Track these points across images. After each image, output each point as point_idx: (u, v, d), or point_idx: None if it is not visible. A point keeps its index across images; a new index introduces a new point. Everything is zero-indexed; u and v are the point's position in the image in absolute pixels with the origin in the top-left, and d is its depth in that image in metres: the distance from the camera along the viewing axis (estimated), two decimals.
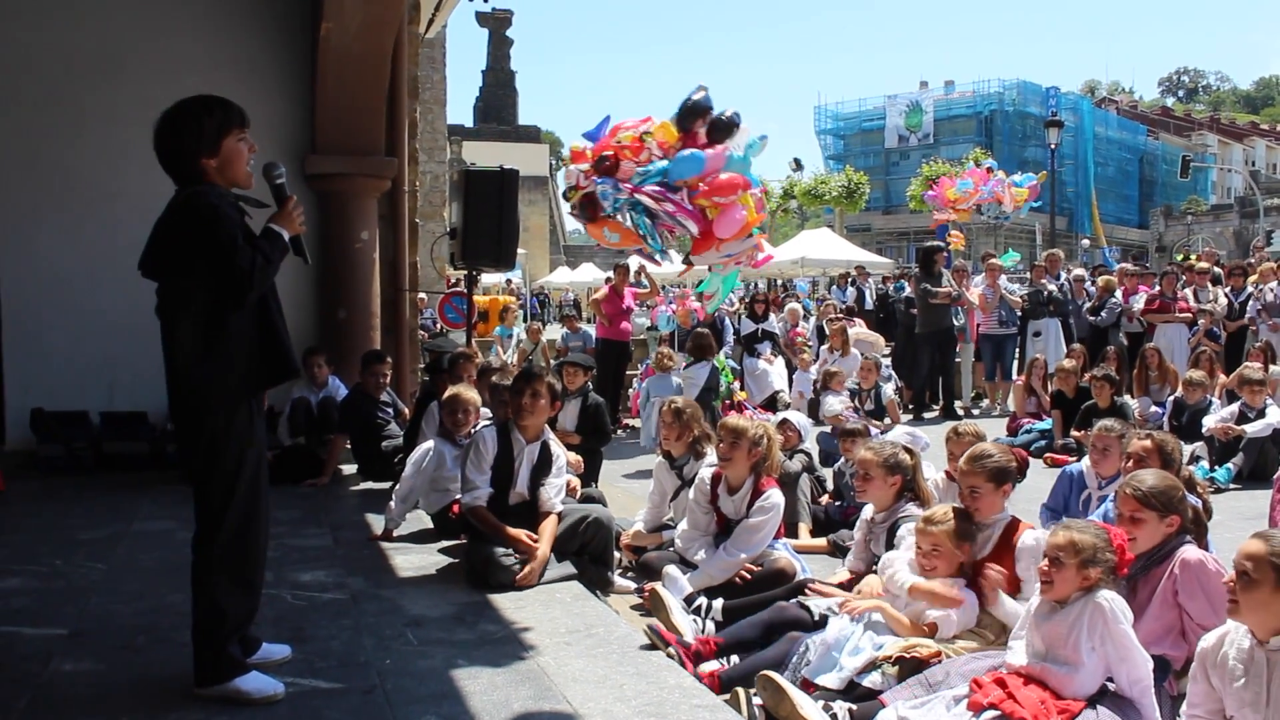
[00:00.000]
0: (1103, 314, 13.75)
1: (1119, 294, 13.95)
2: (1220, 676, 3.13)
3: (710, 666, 4.21)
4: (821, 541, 6.64)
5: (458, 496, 5.91)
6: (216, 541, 3.61)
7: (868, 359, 11.35)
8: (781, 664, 4.07)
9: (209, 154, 3.63)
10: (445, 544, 6.01)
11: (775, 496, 5.28)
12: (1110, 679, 3.48)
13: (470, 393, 6.48)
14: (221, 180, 3.68)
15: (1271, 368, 10.03)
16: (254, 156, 3.79)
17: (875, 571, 4.86)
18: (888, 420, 10.62)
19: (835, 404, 10.58)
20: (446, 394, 6.51)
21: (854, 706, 3.69)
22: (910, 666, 3.81)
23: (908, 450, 5.20)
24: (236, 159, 3.70)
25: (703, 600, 4.87)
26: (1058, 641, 3.49)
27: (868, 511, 5.17)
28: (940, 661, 3.83)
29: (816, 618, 4.33)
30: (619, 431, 11.66)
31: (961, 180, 19.40)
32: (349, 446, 8.28)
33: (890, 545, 4.88)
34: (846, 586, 4.95)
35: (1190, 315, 13.25)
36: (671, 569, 5.17)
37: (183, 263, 3.55)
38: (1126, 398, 10.57)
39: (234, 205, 3.63)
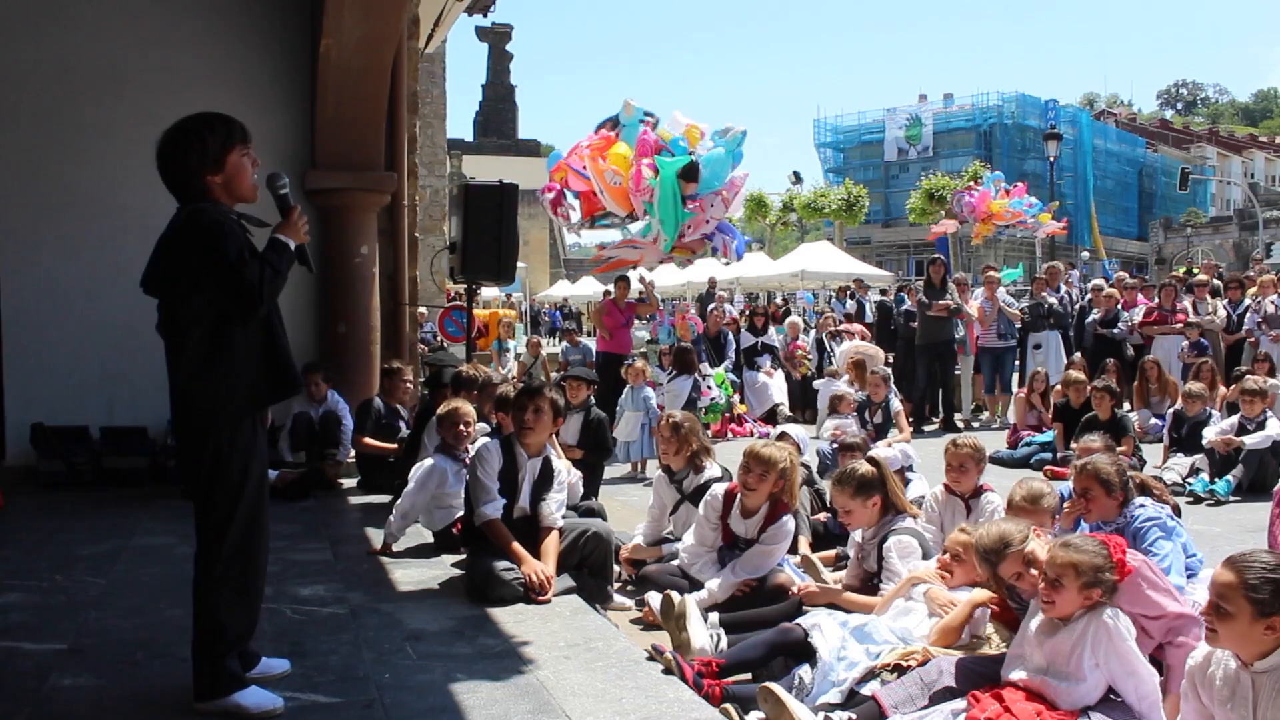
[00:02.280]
0: (1119, 327, 13.76)
1: (1119, 305, 13.99)
2: (1209, 696, 3.12)
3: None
4: (829, 554, 6.62)
5: (460, 514, 5.90)
6: (218, 556, 3.61)
7: (875, 373, 11.31)
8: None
9: (213, 171, 3.64)
10: (445, 558, 6.01)
11: (789, 524, 5.27)
12: (1113, 693, 3.48)
13: (466, 405, 6.48)
14: (226, 196, 3.69)
15: (1269, 380, 10.03)
16: (257, 170, 3.81)
17: (873, 588, 4.88)
18: (894, 433, 10.57)
19: (830, 424, 10.54)
20: (443, 409, 6.50)
21: (854, 715, 3.69)
22: (906, 673, 3.82)
23: (871, 462, 5.18)
24: (241, 174, 3.72)
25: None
26: (1060, 658, 3.49)
27: (858, 533, 5.17)
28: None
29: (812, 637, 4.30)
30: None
31: (1015, 199, 19.55)
32: (352, 459, 8.30)
33: (881, 559, 4.89)
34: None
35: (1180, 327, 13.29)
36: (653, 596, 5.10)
37: (188, 279, 3.55)
38: (1126, 409, 10.57)
39: (236, 221, 3.65)
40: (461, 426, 6.28)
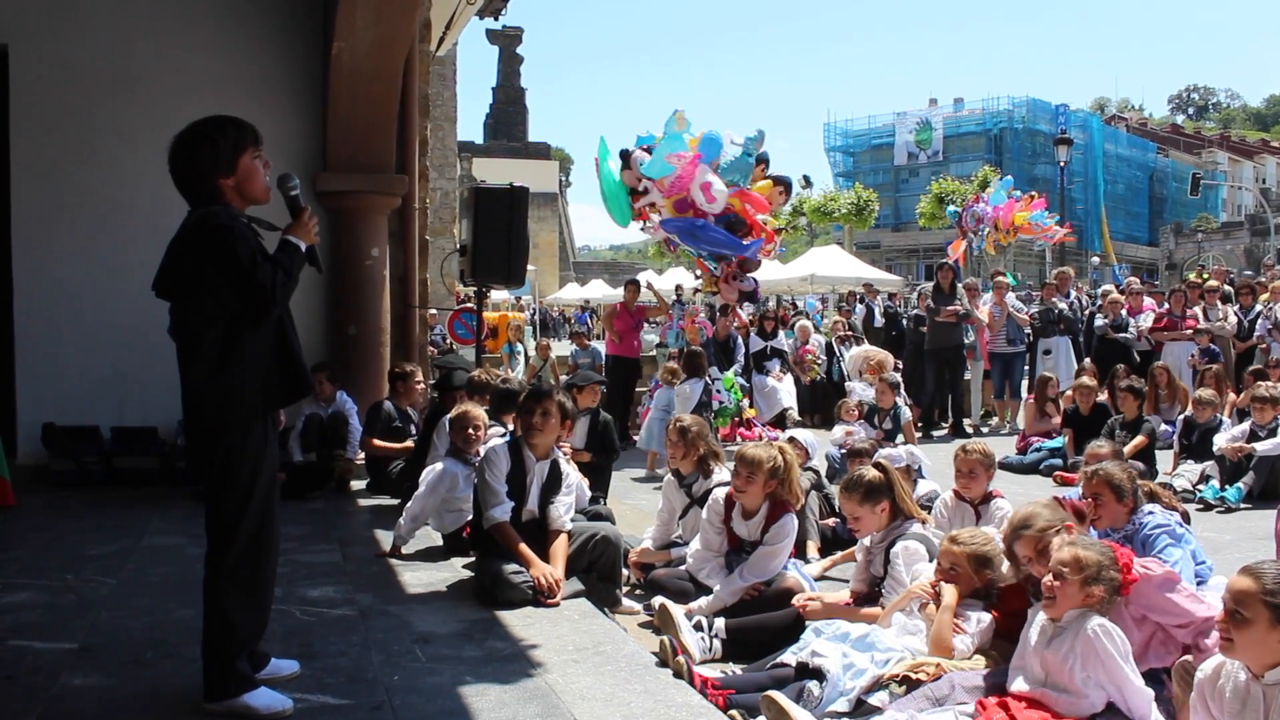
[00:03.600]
0: (1129, 332, 13.73)
1: (1124, 311, 13.97)
2: (1219, 707, 3.11)
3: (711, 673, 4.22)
4: (824, 563, 6.60)
5: (471, 517, 5.91)
6: (228, 556, 3.63)
7: (884, 379, 11.29)
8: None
9: (225, 174, 3.66)
10: (454, 561, 6.02)
11: (790, 523, 5.27)
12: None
13: (477, 409, 6.49)
14: (239, 199, 3.71)
15: None
16: (268, 172, 3.82)
17: (879, 593, 4.87)
18: (901, 438, 10.54)
19: (839, 430, 10.52)
20: (454, 412, 6.51)
21: None
22: (916, 688, 3.80)
23: (878, 467, 5.16)
24: (254, 176, 3.73)
25: (702, 619, 4.86)
26: (1056, 670, 3.50)
27: (866, 538, 5.15)
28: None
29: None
30: (627, 447, 11.67)
31: (1036, 211, 19.49)
32: (361, 461, 8.31)
33: (888, 563, 4.88)
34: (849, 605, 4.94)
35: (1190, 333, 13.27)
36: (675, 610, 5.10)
37: (199, 283, 3.57)
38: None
39: (247, 225, 3.66)
40: (471, 430, 6.29)
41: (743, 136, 11.27)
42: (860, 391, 12.57)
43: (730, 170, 11.01)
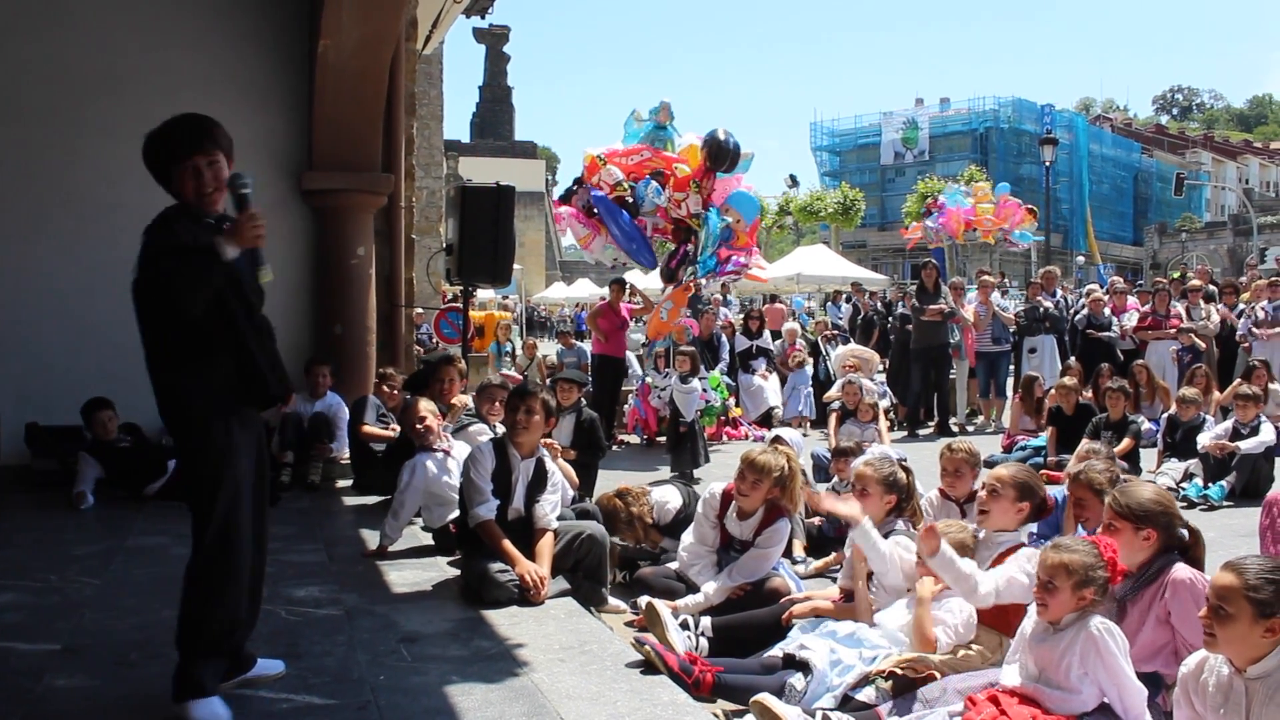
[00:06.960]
0: (1113, 330, 13.80)
1: (1108, 310, 14.05)
2: (1202, 702, 3.12)
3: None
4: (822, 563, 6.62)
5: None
6: (197, 556, 3.63)
7: (851, 384, 11.31)
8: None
9: (167, 182, 3.69)
10: (440, 560, 6.01)
11: (784, 528, 5.28)
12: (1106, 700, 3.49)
13: (423, 402, 6.60)
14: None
15: (1272, 385, 10.05)
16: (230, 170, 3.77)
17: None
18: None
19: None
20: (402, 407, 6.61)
21: (851, 718, 3.70)
22: (904, 684, 3.82)
23: (905, 469, 5.18)
24: (185, 187, 3.70)
25: (689, 617, 4.86)
26: (1050, 665, 3.50)
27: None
28: (934, 681, 3.84)
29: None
30: (615, 447, 11.67)
31: (1030, 233, 19.63)
32: (346, 460, 8.29)
33: None
34: (836, 604, 4.95)
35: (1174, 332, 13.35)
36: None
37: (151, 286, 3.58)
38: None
39: (194, 225, 3.62)
40: (418, 424, 6.37)
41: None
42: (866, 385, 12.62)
43: (645, 140, 11.81)
